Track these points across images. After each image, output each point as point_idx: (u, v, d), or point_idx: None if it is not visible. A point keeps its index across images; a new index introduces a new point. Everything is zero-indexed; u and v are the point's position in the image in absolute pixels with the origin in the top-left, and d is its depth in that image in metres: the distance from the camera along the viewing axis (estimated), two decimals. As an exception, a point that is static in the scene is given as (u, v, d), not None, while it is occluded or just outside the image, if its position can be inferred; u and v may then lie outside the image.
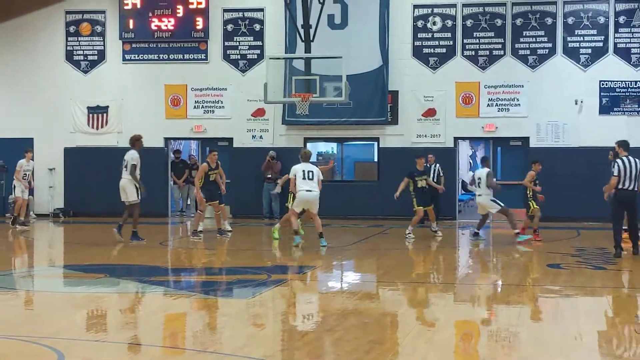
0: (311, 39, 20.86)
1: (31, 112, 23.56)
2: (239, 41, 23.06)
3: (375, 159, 22.61)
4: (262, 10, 22.83)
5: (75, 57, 23.77)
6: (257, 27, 22.88)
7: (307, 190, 14.35)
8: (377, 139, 22.62)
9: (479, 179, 16.43)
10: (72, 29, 23.62)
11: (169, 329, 9.26)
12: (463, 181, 24.19)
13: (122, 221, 15.56)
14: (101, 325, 9.49)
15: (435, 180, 18.77)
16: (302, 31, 20.89)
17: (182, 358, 7.74)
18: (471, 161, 26.96)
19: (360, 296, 11.35)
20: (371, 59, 22.01)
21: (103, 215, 21.47)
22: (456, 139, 22.06)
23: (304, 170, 14.42)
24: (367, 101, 22.11)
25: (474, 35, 21.37)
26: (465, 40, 21.39)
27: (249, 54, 23.06)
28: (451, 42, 21.70)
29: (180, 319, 9.71)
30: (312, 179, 14.34)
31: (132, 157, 15.44)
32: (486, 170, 16.09)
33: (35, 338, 8.25)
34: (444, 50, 21.72)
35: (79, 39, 23.73)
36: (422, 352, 7.55)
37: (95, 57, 23.74)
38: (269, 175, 21.22)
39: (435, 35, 21.88)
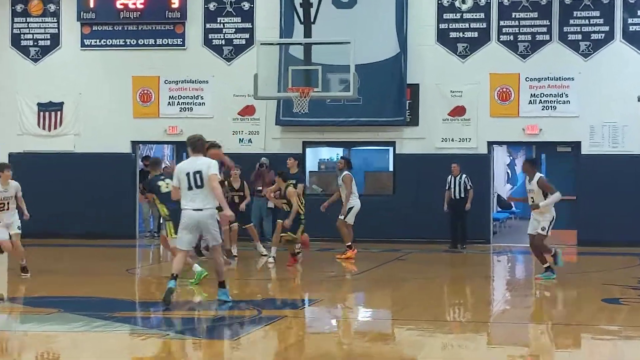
0: (312, 20, 21.75)
1: None
2: (223, 23, 23.43)
3: (391, 168, 23.01)
4: None
5: (23, 43, 24.18)
6: (246, 5, 23.27)
7: (194, 210, 11.97)
8: (392, 144, 22.91)
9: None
10: (19, 7, 23.99)
11: None
12: (499, 196, 24.69)
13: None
14: None
15: (461, 194, 19.59)
16: (300, 11, 21.78)
17: None
18: (509, 171, 27.49)
19: (371, 337, 11.37)
20: (386, 46, 22.32)
21: (55, 236, 21.68)
22: (490, 143, 22.39)
23: (188, 174, 11.91)
24: (381, 97, 22.40)
25: (513, 17, 21.79)
26: (501, 23, 21.77)
27: (236, 38, 23.44)
28: (484, 25, 22.04)
29: None
30: (200, 186, 11.81)
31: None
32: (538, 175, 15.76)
33: None
34: (476, 34, 22.08)
35: (28, 20, 24.10)
36: None
37: (48, 43, 24.11)
38: (259, 188, 21.47)
39: (465, 16, 22.18)
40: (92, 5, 23.88)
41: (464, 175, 19.95)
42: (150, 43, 24.05)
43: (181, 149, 24.75)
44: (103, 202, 22.40)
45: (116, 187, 23.46)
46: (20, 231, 15.31)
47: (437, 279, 16.71)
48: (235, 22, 23.61)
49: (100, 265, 19.02)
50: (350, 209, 18.83)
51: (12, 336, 11.30)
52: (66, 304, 13.43)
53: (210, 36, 23.72)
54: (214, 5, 23.56)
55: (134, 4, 23.80)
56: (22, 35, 24.57)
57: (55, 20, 24.30)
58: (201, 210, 11.66)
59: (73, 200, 20.58)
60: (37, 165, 24.07)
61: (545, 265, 14.86)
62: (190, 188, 11.69)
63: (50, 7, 24.28)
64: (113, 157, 23.78)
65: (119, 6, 23.75)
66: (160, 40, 23.97)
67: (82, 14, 23.75)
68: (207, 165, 11.81)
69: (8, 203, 15.37)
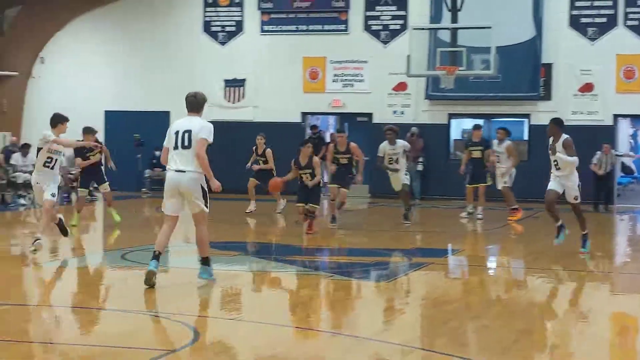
0: (458, 7, 23.39)
1: (167, 85, 26.93)
2: (381, 11, 26.05)
3: (526, 137, 25.11)
4: None
5: (213, 29, 27.49)
6: None
7: (176, 170, 10.63)
8: (527, 116, 25.22)
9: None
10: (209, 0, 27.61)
11: (304, 309, 10.36)
12: (622, 162, 26.33)
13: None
14: (235, 303, 10.84)
15: (607, 169, 22.03)
16: (449, 0, 23.59)
17: (316, 340, 8.80)
18: (632, 141, 28.73)
19: (507, 283, 12.62)
20: (523, 30, 24.49)
21: (233, 191, 23.23)
22: (616, 116, 24.49)
23: (177, 132, 10.55)
24: (518, 75, 24.53)
25: (638, 4, 23.69)
26: (627, 9, 23.86)
27: (392, 24, 25.97)
28: (612, 11, 24.13)
29: (315, 300, 10.92)
30: (187, 147, 10.46)
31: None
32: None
33: (169, 314, 9.52)
34: (604, 19, 24.22)
35: (217, 9, 27.42)
36: (573, 345, 8.49)
37: (234, 29, 27.39)
38: (410, 155, 22.78)
39: (595, 3, 24.32)
40: None
41: (612, 151, 22.06)
42: (318, 29, 26.42)
43: (343, 120, 27.23)
44: (277, 163, 22.68)
45: (288, 151, 23.44)
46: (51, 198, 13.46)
47: (569, 236, 16.83)
48: (391, 10, 25.84)
49: (273, 218, 20.32)
50: (511, 174, 19.59)
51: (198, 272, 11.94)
52: (245, 248, 15.51)
53: (369, 22, 26.04)
54: None
55: None
56: (212, 22, 27.30)
57: (240, 10, 27.02)
58: (183, 172, 10.40)
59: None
60: (222, 132, 27.43)
61: (559, 224, 14.04)
62: (176, 147, 10.47)
63: None
64: (286, 126, 25.94)
65: None
66: (327, 26, 26.32)
67: (261, 4, 26.49)
68: (200, 126, 10.43)
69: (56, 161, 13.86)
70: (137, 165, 27.63)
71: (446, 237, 17.88)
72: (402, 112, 25.70)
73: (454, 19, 23.82)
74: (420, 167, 24.46)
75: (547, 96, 24.82)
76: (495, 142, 19.70)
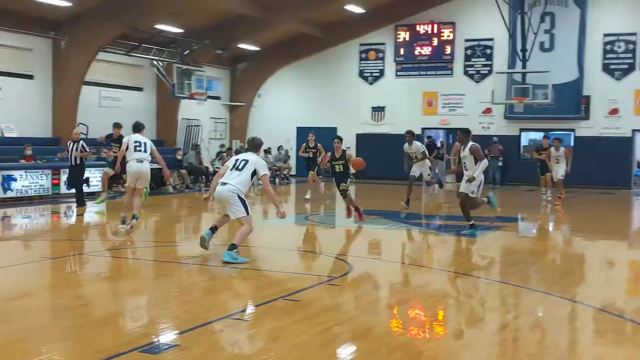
0: (527, 58, 24.16)
1: (335, 110, 28.59)
2: (474, 61, 27.10)
3: (572, 144, 25.22)
4: (492, 39, 26.64)
5: (365, 74, 28.83)
6: (488, 51, 26.84)
7: (223, 184, 9.29)
8: (573, 130, 25.76)
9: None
10: (363, 55, 28.75)
11: (421, 253, 10.63)
12: (638, 162, 26.76)
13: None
14: (378, 248, 11.12)
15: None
16: (520, 54, 24.28)
17: (430, 274, 8.84)
18: None
19: (554, 241, 12.56)
20: (570, 73, 25.26)
21: (381, 178, 25.66)
22: (634, 130, 25.04)
23: (237, 159, 9.51)
24: (566, 103, 25.02)
25: None
26: None
27: (482, 70, 26.94)
28: (632, 61, 24.96)
29: (427, 248, 11.22)
30: (240, 170, 9.28)
31: None
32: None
33: (334, 254, 9.75)
34: (626, 66, 25.05)
35: (368, 62, 28.74)
36: (601, 282, 8.54)
37: (378, 74, 28.62)
38: (493, 155, 24.52)
39: (620, 55, 25.11)
40: (402, 53, 27.22)
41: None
42: (433, 74, 27.28)
43: (449, 133, 27.03)
44: (393, 164, 20.05)
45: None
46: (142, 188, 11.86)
47: (608, 211, 17.24)
48: (482, 61, 26.99)
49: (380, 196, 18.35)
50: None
51: (357, 229, 12.74)
52: (383, 214, 15.15)
53: (467, 69, 27.22)
54: (470, 52, 26.83)
55: (425, 52, 26.95)
56: (364, 70, 28.19)
57: (382, 62, 27.76)
58: (225, 184, 9.22)
59: (388, 160, 24.13)
60: (371, 141, 27.42)
61: (470, 223, 12.19)
62: (232, 169, 9.30)
63: (379, 55, 27.62)
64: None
65: (416, 53, 27.08)
66: (439, 72, 27.10)
67: (396, 58, 27.28)
68: (256, 160, 9.40)
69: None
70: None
71: (516, 209, 17.61)
72: (488, 127, 26.46)
73: (524, 66, 24.28)
74: (500, 163, 25.10)
75: (586, 117, 25.45)
76: (553, 149, 18.81)
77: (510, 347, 5.83)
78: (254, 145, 9.77)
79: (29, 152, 18.94)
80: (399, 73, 28.47)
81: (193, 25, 24.42)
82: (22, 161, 18.58)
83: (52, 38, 22.50)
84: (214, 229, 9.43)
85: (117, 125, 15.70)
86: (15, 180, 17.52)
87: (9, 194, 17.33)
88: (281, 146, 28.17)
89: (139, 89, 26.25)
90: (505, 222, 14.39)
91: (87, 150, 15.71)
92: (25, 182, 17.70)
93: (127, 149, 11.68)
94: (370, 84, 29.00)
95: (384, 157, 25.26)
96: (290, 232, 12.54)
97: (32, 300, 7.33)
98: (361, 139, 28.51)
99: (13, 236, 12.57)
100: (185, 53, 24.19)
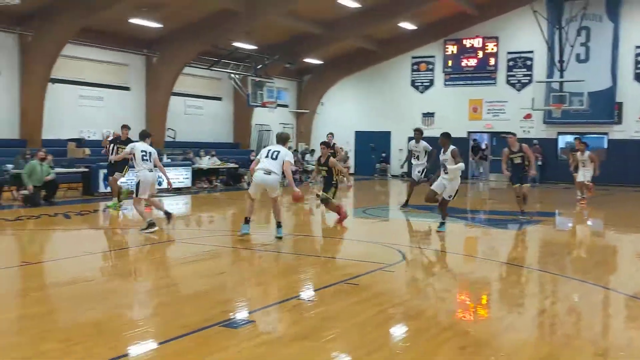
0: (564, 69, 24.28)
1: (389, 116, 28.71)
2: (516, 72, 26.81)
3: (606, 146, 25.14)
4: (532, 52, 26.36)
5: (416, 83, 28.80)
6: (529, 62, 26.51)
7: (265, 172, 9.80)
8: (607, 134, 25.28)
9: None
10: (415, 67, 28.73)
11: (473, 245, 10.44)
12: None
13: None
14: (428, 239, 10.68)
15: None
16: (558, 64, 24.36)
17: (487, 264, 8.60)
18: None
19: (589, 234, 12.49)
20: (604, 81, 24.82)
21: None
22: None
23: (269, 150, 10.00)
24: (601, 109, 24.61)
25: None
26: None
27: (522, 79, 26.63)
28: None
29: (474, 239, 11.07)
30: (274, 159, 9.84)
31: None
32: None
33: (389, 244, 9.57)
34: None
35: (419, 73, 28.67)
36: (632, 271, 8.34)
37: (428, 83, 28.55)
38: (537, 154, 23.51)
39: None
40: (449, 64, 26.98)
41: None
42: (478, 83, 26.79)
43: (492, 136, 26.86)
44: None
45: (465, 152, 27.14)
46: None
47: (607, 210, 16.35)
48: (522, 71, 26.67)
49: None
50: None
51: (413, 222, 12.71)
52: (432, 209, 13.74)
53: (509, 78, 26.60)
54: (511, 63, 26.38)
55: (471, 63, 26.63)
56: (415, 80, 28.11)
57: (432, 72, 27.57)
58: (269, 173, 9.67)
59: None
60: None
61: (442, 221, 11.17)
62: (266, 157, 9.76)
63: (429, 66, 27.39)
64: (456, 140, 24.41)
65: (463, 64, 26.78)
66: (484, 81, 26.60)
67: (444, 69, 26.95)
68: (285, 152, 9.90)
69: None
70: (371, 161, 29.06)
71: (554, 206, 17.56)
72: (529, 131, 26.07)
73: (561, 75, 24.17)
74: (540, 163, 24.58)
75: (619, 121, 24.99)
76: (578, 153, 17.48)
77: (548, 330, 5.75)
78: (282, 139, 10.20)
79: (126, 152, 19.20)
80: (447, 82, 28.30)
81: (265, 43, 24.72)
82: (120, 161, 18.84)
83: (146, 55, 23.15)
84: (248, 220, 9.88)
85: (125, 127, 14.47)
86: (114, 177, 17.79)
87: (110, 189, 17.36)
88: (341, 147, 28.00)
89: (219, 99, 26.68)
90: (544, 217, 14.30)
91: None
92: (122, 179, 17.79)
93: (133, 156, 10.64)
94: (421, 92, 28.89)
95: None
96: (350, 224, 12.35)
97: (128, 280, 7.58)
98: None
99: (110, 225, 12.79)
100: (258, 67, 24.47)
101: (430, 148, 14.83)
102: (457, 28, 27.38)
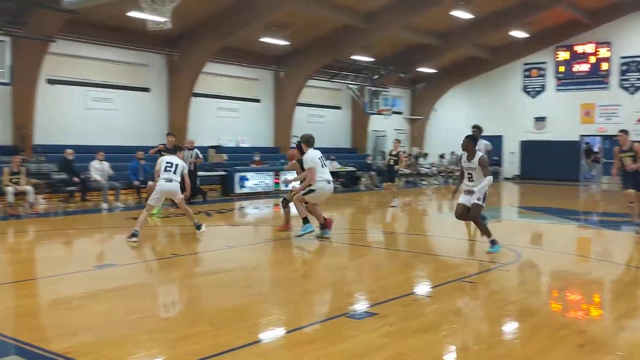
0: None
1: (501, 120, 27.74)
2: (629, 76, 25.58)
3: None
4: None
5: (528, 89, 28.00)
6: (605, 65, 25.53)
7: (327, 182, 9.46)
8: None
9: None
10: (526, 73, 27.94)
11: (580, 246, 10.08)
12: None
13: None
14: (542, 240, 10.52)
15: None
16: None
17: (588, 263, 8.58)
18: None
19: (614, 232, 11.58)
20: None
21: (543, 179, 24.84)
22: None
23: (321, 157, 9.58)
24: None
25: None
26: None
27: (637, 83, 25.45)
28: None
29: (586, 239, 10.91)
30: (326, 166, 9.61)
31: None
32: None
33: (504, 244, 8.78)
34: None
35: (530, 79, 27.91)
36: None
37: (540, 88, 27.66)
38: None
39: None
40: (561, 70, 26.16)
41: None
42: (590, 87, 25.70)
43: (605, 139, 25.54)
44: (556, 167, 24.23)
45: (569, 157, 24.90)
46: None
47: None
48: (636, 75, 25.01)
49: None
50: None
51: (522, 224, 12.55)
52: (545, 210, 14.58)
53: (622, 83, 25.37)
54: (625, 67, 25.20)
55: (583, 69, 25.42)
56: (527, 85, 27.33)
57: (544, 78, 26.85)
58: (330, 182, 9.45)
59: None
60: (533, 146, 26.48)
61: (492, 239, 8.70)
62: (323, 166, 9.48)
63: (541, 72, 26.67)
64: (568, 143, 25.62)
65: (574, 70, 25.70)
66: (596, 85, 25.71)
67: (556, 74, 26.04)
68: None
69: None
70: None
71: (603, 205, 16.65)
72: None
73: None
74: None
75: None
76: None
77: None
78: (304, 141, 9.95)
79: (257, 158, 20.21)
80: (558, 87, 27.44)
81: (381, 55, 24.77)
82: (252, 165, 19.68)
83: (274, 70, 23.80)
84: (323, 226, 9.66)
85: (170, 135, 14.02)
86: (247, 179, 18.84)
87: (244, 190, 18.58)
88: (453, 152, 27.72)
89: (338, 108, 27.00)
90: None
91: (200, 157, 15.22)
92: (255, 181, 18.88)
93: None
94: (533, 97, 28.13)
95: (547, 160, 25.07)
96: (462, 225, 11.53)
97: (263, 272, 7.86)
98: (525, 145, 27.84)
99: (246, 222, 13.42)
100: (375, 77, 24.58)
101: (490, 144, 12.05)
102: (569, 35, 26.50)
